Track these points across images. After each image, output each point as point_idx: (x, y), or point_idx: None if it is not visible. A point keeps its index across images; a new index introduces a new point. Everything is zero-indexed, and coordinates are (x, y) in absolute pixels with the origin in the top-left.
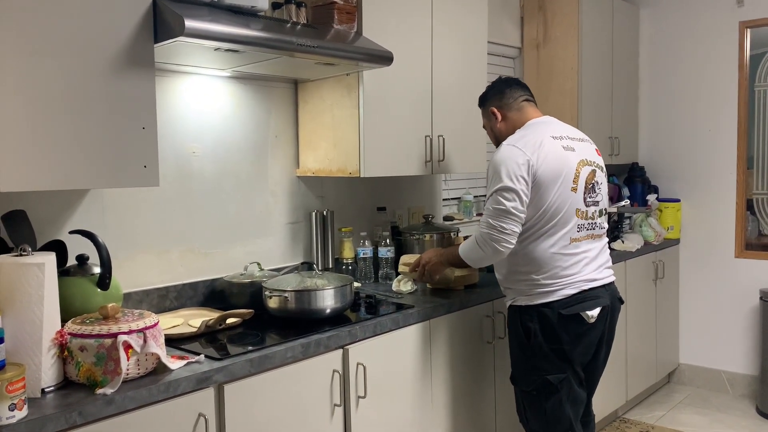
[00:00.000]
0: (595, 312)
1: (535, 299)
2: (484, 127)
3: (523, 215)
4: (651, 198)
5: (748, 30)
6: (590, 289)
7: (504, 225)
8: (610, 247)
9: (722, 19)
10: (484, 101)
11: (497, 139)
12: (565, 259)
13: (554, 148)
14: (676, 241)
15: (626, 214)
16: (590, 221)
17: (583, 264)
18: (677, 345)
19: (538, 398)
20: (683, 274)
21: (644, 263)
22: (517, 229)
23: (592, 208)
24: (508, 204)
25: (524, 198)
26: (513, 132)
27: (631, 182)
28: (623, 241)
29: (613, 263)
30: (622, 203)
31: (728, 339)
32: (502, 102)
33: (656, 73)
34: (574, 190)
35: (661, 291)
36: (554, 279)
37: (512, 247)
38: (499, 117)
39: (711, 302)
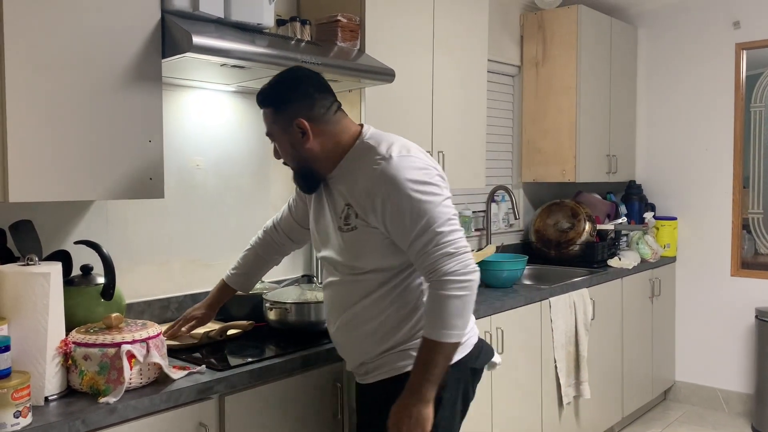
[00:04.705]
0: (498, 358)
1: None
2: (269, 135)
3: None
4: (648, 216)
5: (744, 51)
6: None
7: (464, 243)
8: (607, 265)
9: (719, 41)
10: (280, 104)
11: (300, 161)
12: None
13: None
14: (673, 259)
15: (623, 232)
16: None
17: None
18: (673, 362)
19: None
20: (679, 292)
21: (641, 281)
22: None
23: None
24: (455, 221)
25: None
26: (331, 152)
27: (628, 200)
28: (620, 259)
29: (610, 280)
30: (619, 221)
31: (724, 357)
32: (313, 112)
33: (654, 93)
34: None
35: (658, 308)
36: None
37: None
38: (310, 134)
39: (707, 320)
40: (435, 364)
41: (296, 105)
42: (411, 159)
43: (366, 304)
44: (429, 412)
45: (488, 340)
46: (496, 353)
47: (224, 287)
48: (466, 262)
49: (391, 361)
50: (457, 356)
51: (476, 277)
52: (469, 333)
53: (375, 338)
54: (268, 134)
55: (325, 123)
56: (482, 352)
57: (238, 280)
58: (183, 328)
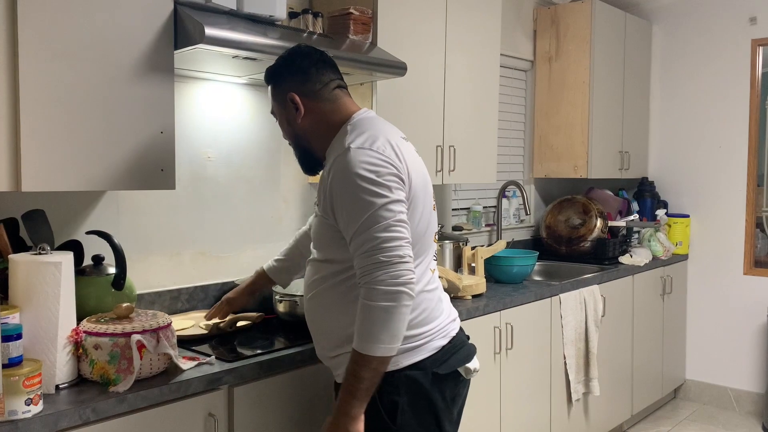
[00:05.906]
0: (476, 364)
1: (402, 361)
2: (272, 113)
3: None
4: (660, 213)
5: (761, 48)
6: (456, 334)
7: (400, 253)
8: (618, 261)
9: (734, 37)
10: (277, 79)
11: (296, 138)
12: (429, 298)
13: (411, 152)
14: (685, 257)
15: (635, 229)
16: (436, 248)
17: (443, 302)
18: (684, 360)
19: None
20: (691, 290)
21: (652, 278)
22: (411, 253)
23: (437, 230)
24: (398, 227)
25: (406, 212)
26: (323, 132)
27: (640, 197)
28: (632, 256)
29: (621, 277)
30: (631, 218)
31: (735, 356)
32: (306, 87)
33: (667, 89)
34: (434, 207)
35: (669, 306)
36: (422, 327)
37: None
38: (302, 110)
39: (718, 319)
40: (360, 379)
41: (290, 79)
42: (367, 153)
43: (320, 291)
44: (358, 427)
45: (497, 336)
46: (475, 359)
47: (262, 275)
48: (397, 273)
49: (346, 362)
50: (412, 359)
51: (409, 289)
52: (433, 335)
53: (329, 332)
54: (271, 112)
55: (319, 99)
56: (453, 357)
57: (275, 272)
58: (216, 318)
